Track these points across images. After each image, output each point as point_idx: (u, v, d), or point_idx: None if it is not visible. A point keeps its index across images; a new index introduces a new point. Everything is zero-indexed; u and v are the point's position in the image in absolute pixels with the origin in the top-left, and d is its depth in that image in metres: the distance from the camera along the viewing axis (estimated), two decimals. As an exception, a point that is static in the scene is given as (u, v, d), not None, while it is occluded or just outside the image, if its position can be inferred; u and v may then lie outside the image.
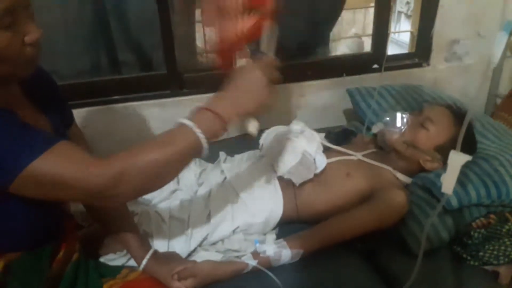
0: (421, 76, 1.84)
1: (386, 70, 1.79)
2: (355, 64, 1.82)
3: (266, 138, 1.37)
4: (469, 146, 1.26)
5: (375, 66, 1.81)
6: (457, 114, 1.25)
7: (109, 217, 1.04)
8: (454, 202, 1.12)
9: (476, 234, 1.09)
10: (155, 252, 1.06)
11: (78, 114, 1.56)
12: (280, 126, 1.36)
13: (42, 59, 1.60)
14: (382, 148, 1.32)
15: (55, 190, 0.69)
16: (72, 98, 1.55)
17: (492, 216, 1.12)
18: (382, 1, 1.72)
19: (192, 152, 0.76)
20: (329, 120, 1.82)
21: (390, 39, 1.95)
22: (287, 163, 1.19)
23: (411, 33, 1.90)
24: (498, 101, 1.91)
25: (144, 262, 1.02)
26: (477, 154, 1.26)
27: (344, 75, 1.79)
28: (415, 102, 1.52)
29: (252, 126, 0.82)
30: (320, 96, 1.79)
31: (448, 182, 0.63)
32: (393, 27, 2.69)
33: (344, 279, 1.08)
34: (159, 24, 1.51)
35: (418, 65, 1.86)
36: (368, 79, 1.76)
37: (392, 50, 2.72)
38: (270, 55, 0.87)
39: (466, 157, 0.61)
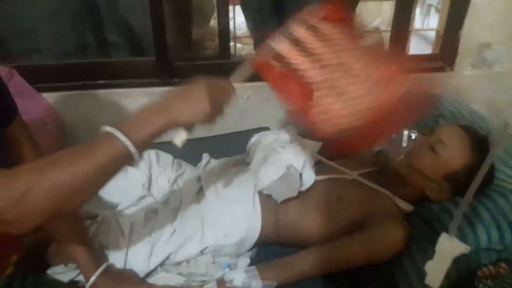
0: (444, 82, 1.64)
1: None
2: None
3: (254, 144, 1.22)
4: (486, 176, 1.08)
5: (391, 67, 1.61)
6: (476, 138, 1.07)
7: (57, 223, 0.91)
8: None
9: (481, 285, 0.93)
10: (109, 268, 0.93)
11: (58, 98, 1.45)
12: (270, 131, 1.20)
13: (24, 36, 1.49)
14: (384, 168, 1.15)
15: None
16: (52, 80, 1.45)
17: (502, 265, 0.95)
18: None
19: (116, 163, 0.65)
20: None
21: (413, 34, 1.74)
22: (268, 177, 1.04)
23: (437, 32, 1.69)
24: (530, 115, 1.70)
25: (92, 278, 0.90)
26: (493, 186, 1.08)
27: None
28: (430, 116, 1.34)
29: (178, 138, 0.71)
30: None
31: (434, 273, 0.48)
32: (420, 21, 2.43)
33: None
34: (149, 5, 1.36)
35: (441, 69, 1.66)
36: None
37: (417, 45, 2.49)
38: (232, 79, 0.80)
39: (462, 248, 0.45)
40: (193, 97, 0.68)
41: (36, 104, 1.34)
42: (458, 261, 0.97)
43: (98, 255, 0.95)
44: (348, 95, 0.77)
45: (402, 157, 1.09)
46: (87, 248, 0.92)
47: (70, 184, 0.59)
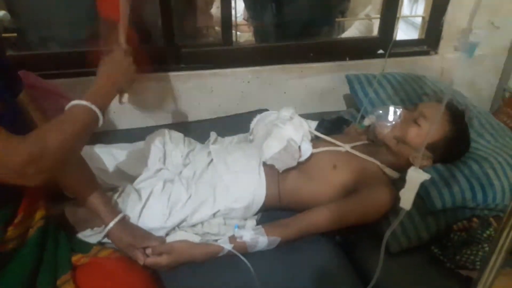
0: (428, 65, 1.78)
1: (392, 56, 1.72)
2: (360, 48, 1.76)
3: (257, 123, 1.35)
4: (462, 145, 1.23)
5: (381, 51, 1.75)
6: (454, 112, 1.21)
7: (76, 183, 1.06)
8: (438, 204, 1.11)
9: (456, 237, 1.08)
10: (125, 218, 1.07)
11: (68, 83, 1.55)
12: (271, 111, 1.34)
13: (41, 25, 1.59)
14: (373, 141, 1.29)
15: None
16: (67, 67, 1.55)
17: (475, 219, 1.10)
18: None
19: (93, 125, 0.90)
20: (329, 104, 1.78)
21: (400, 21, 1.87)
22: (271, 149, 1.18)
23: (423, 18, 1.82)
24: (507, 95, 1.84)
25: (111, 224, 1.03)
26: (469, 154, 1.23)
27: (347, 59, 1.73)
28: (415, 94, 1.48)
29: (125, 98, 1.06)
30: (321, 79, 1.75)
31: (406, 198, 0.62)
32: (409, 8, 2.55)
33: (318, 270, 1.08)
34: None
35: (426, 52, 1.79)
36: (372, 65, 1.70)
37: (408, 32, 2.62)
38: (124, 45, 1.06)
39: (425, 176, 0.59)
40: (125, 69, 1.01)
41: (52, 100, 1.43)
42: (437, 216, 1.13)
43: (114, 207, 1.09)
44: None
45: (388, 130, 1.23)
46: (105, 199, 1.07)
47: (67, 142, 0.82)
